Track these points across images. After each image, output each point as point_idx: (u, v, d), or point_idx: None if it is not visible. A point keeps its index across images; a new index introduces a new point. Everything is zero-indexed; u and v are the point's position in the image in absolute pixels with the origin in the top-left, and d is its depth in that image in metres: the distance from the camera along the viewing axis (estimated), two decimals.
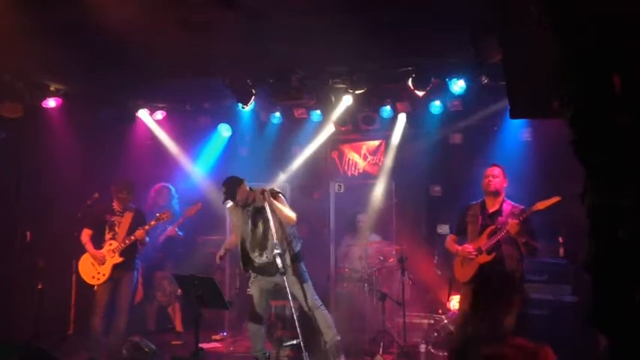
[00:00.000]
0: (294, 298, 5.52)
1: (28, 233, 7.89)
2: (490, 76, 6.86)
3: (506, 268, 5.28)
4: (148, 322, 8.05)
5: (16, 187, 7.88)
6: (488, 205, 5.55)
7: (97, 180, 7.51)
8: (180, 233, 7.88)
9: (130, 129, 8.91)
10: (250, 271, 5.93)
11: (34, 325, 6.83)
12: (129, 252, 6.61)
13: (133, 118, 8.85)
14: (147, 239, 6.70)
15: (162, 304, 8.07)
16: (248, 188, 5.76)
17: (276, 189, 5.75)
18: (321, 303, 5.67)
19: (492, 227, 5.38)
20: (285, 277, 5.36)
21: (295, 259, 5.59)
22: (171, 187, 7.96)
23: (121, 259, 6.55)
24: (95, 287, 6.60)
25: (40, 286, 6.84)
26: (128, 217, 6.69)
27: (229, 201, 5.70)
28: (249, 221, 5.74)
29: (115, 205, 6.70)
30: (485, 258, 5.34)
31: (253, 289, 5.74)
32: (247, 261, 5.81)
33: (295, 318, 5.33)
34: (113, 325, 6.62)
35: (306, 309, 5.63)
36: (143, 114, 8.90)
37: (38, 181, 7.97)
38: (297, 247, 5.64)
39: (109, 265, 6.53)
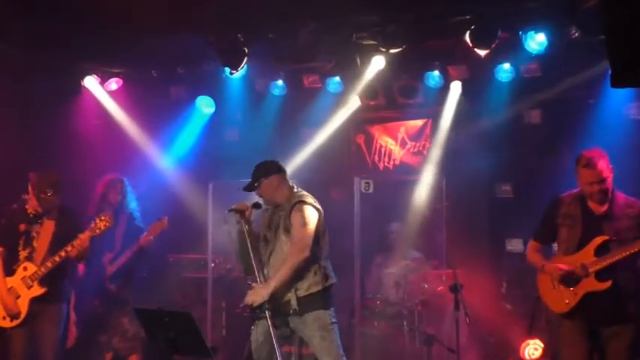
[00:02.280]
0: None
1: None
2: (583, 27, 6.82)
3: (623, 302, 5.23)
4: None
5: None
6: (591, 203, 5.45)
7: (27, 175, 7.54)
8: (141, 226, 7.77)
9: (72, 103, 8.93)
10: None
11: None
12: (54, 277, 6.41)
13: (77, 89, 8.87)
14: (87, 252, 6.53)
15: (120, 354, 8.07)
16: (286, 185, 5.82)
17: (308, 199, 5.76)
18: None
19: (603, 239, 5.29)
20: (266, 320, 5.45)
21: (306, 303, 5.60)
22: (124, 179, 7.87)
23: (42, 291, 6.35)
24: (7, 331, 6.41)
25: None
26: (49, 225, 6.51)
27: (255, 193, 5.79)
28: (268, 224, 5.84)
29: (30, 208, 6.54)
30: (595, 285, 5.20)
31: (257, 329, 5.77)
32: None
33: None
34: None
35: None
36: (91, 83, 8.93)
37: None
38: (315, 287, 5.63)
39: (25, 299, 6.34)
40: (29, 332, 6.43)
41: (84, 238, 6.37)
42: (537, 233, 5.70)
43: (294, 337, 5.95)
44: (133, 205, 7.68)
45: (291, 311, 5.55)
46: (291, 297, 5.55)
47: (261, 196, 5.79)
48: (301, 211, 5.61)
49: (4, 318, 6.38)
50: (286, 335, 5.80)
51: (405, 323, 7.74)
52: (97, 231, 6.48)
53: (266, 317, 5.43)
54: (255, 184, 5.75)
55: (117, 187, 7.65)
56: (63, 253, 6.32)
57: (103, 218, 6.51)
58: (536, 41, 7.32)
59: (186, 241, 8.97)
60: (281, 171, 5.84)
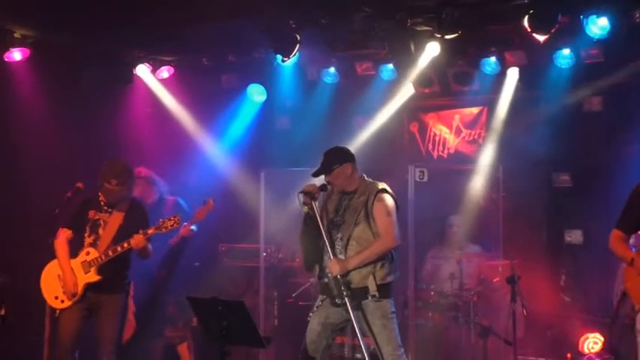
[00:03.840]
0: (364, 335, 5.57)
1: None
2: None
3: None
4: None
5: None
6: None
7: (80, 163, 7.66)
8: (193, 228, 7.83)
9: (124, 92, 9.08)
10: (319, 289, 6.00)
11: None
12: (113, 267, 6.46)
13: (128, 78, 8.99)
14: (149, 248, 6.61)
15: (171, 342, 8.14)
16: (357, 172, 5.82)
17: (388, 188, 5.76)
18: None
19: None
20: (347, 308, 5.41)
21: (381, 290, 5.63)
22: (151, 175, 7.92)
23: (97, 278, 6.41)
24: (57, 312, 6.49)
25: (1, 312, 6.95)
26: (118, 216, 6.56)
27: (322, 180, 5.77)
28: (335, 210, 5.81)
29: (102, 197, 6.60)
30: None
31: (314, 318, 5.78)
32: (320, 266, 5.84)
33: None
34: None
35: None
36: (143, 71, 9.04)
37: None
38: (389, 277, 5.68)
39: (80, 283, 6.41)
40: (81, 318, 6.45)
41: (138, 237, 6.35)
42: (621, 222, 5.33)
43: (347, 328, 5.97)
44: (164, 190, 7.81)
45: (370, 297, 5.56)
46: (370, 283, 5.56)
47: (329, 183, 5.76)
48: (383, 200, 5.64)
49: (56, 297, 6.46)
50: (337, 327, 5.83)
51: (459, 315, 7.70)
52: (163, 229, 6.49)
53: (346, 303, 5.42)
54: (328, 172, 5.75)
55: (142, 182, 7.67)
56: (119, 248, 6.36)
57: (172, 219, 6.50)
58: (598, 25, 7.20)
59: (237, 230, 9.02)
60: (353, 159, 5.82)
